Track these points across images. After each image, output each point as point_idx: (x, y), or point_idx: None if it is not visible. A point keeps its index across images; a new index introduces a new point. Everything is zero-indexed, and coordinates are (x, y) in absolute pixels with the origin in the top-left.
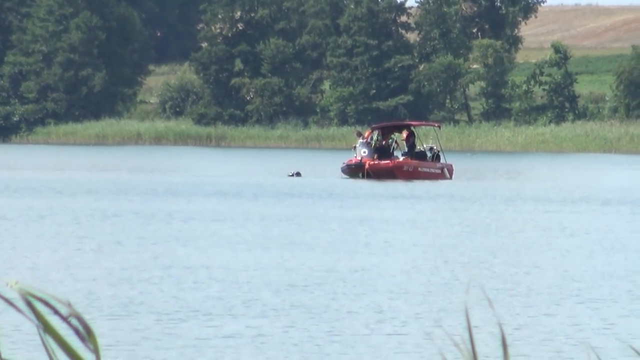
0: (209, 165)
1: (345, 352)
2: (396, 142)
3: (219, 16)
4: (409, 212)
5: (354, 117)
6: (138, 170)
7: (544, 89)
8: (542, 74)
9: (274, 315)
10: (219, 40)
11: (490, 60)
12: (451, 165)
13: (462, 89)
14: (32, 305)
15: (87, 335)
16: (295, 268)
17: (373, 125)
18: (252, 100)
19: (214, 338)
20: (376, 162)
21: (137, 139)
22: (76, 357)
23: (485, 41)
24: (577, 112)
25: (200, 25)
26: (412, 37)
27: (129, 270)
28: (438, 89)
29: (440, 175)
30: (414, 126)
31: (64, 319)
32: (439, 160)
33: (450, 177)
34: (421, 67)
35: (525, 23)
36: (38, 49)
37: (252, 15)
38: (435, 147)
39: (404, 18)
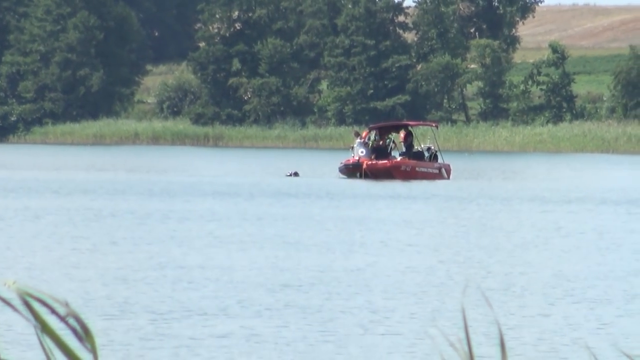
0: (206, 165)
1: (339, 352)
2: (394, 142)
3: (217, 16)
4: (405, 212)
5: (352, 117)
6: (135, 170)
7: (541, 89)
8: (539, 74)
9: (269, 315)
10: (216, 40)
11: (487, 60)
12: (449, 165)
13: (459, 89)
14: (30, 305)
15: (84, 335)
16: (290, 268)
17: (371, 125)
18: (249, 100)
19: (209, 338)
20: (374, 162)
21: (134, 139)
22: (74, 357)
23: (483, 41)
24: (574, 112)
25: (198, 25)
26: (410, 37)
27: (124, 270)
28: (435, 89)
29: (437, 175)
30: (412, 126)
31: (62, 318)
32: (437, 160)
33: (448, 177)
34: (419, 67)
35: (523, 23)
36: (35, 49)
37: (250, 15)
38: (432, 147)
39: (401, 18)
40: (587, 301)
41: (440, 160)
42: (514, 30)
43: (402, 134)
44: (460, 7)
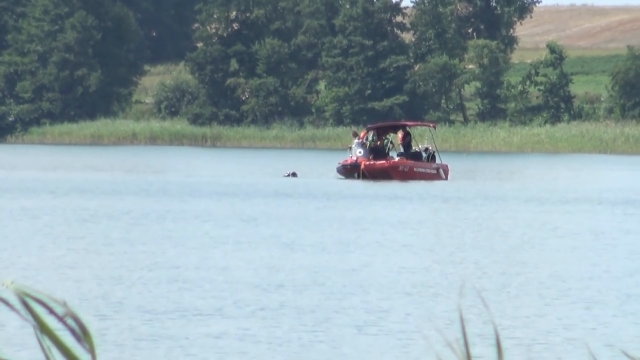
0: (204, 166)
1: (334, 352)
2: (392, 142)
3: (215, 16)
4: (401, 213)
5: (350, 117)
6: (133, 170)
7: (539, 90)
8: (537, 74)
9: (263, 316)
10: (214, 40)
11: (485, 61)
12: (447, 166)
13: (457, 90)
14: (28, 305)
15: (82, 335)
16: (285, 268)
17: (368, 126)
18: (247, 101)
19: (203, 338)
20: (372, 163)
21: (132, 139)
22: (72, 356)
23: (481, 41)
24: (572, 112)
25: (196, 25)
26: (408, 37)
27: (120, 270)
28: (433, 89)
29: (435, 176)
30: (410, 126)
31: (60, 318)
32: (435, 161)
33: (446, 178)
34: (416, 67)
35: (521, 23)
36: (33, 49)
37: (248, 15)
38: (430, 148)
39: (399, 18)
40: (583, 301)
41: (438, 160)
42: (511, 31)
43: (400, 134)
44: (458, 7)
